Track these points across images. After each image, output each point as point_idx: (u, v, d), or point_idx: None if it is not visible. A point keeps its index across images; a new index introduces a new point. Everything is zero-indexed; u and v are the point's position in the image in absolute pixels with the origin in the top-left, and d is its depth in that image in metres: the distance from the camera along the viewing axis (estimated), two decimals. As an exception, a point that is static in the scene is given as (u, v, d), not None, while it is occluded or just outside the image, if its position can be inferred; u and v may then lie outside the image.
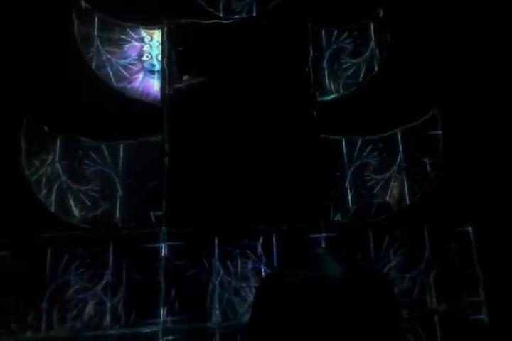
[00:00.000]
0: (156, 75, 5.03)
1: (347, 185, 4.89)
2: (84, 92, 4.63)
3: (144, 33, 5.12)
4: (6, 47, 4.60)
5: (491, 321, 4.35)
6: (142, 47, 5.12)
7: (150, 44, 5.13)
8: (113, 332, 3.95)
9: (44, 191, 4.32)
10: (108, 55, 4.98)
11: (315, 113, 4.89)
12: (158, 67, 5.06)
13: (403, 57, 4.98)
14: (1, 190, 4.03)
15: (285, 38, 5.14)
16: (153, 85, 5.00)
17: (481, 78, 4.82)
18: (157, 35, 5.15)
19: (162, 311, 4.00)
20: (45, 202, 4.29)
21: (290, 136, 4.83)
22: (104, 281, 4.04)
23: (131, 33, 5.09)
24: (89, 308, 3.96)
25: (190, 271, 4.08)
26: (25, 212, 4.07)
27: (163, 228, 4.29)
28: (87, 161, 4.53)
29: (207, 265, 4.17)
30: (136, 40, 5.12)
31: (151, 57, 5.10)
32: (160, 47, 5.06)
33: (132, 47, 5.12)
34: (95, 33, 5.01)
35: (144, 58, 5.08)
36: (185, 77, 4.97)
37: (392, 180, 4.86)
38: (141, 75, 5.03)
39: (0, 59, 4.51)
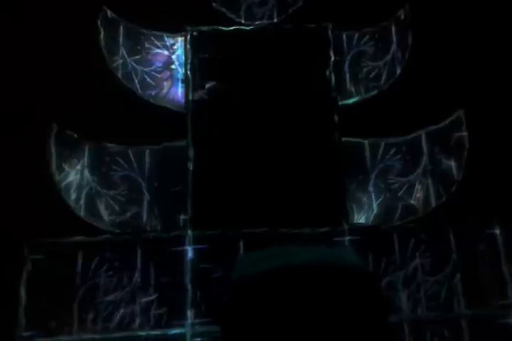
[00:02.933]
0: (180, 82, 5.12)
1: (370, 188, 4.88)
2: (111, 100, 4.75)
3: (172, 40, 5.20)
4: (35, 57, 4.75)
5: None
6: (170, 55, 5.21)
7: (177, 52, 5.22)
8: (142, 333, 4.01)
9: (73, 196, 4.43)
10: (134, 64, 5.08)
11: (336, 117, 4.90)
12: (181, 75, 5.14)
13: (426, 59, 4.96)
14: (33, 196, 4.15)
15: (306, 43, 5.17)
16: (180, 92, 5.08)
17: (507, 79, 4.77)
18: (177, 45, 5.23)
19: (189, 313, 4.05)
20: (75, 206, 4.40)
21: (312, 140, 4.85)
22: (132, 284, 4.11)
23: (155, 41, 5.19)
24: (119, 310, 4.03)
25: (216, 274, 4.12)
26: (56, 217, 4.18)
27: (189, 231, 4.35)
28: (114, 167, 4.63)
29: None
30: (163, 49, 5.21)
31: (178, 65, 5.19)
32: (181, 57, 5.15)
33: (158, 55, 5.21)
34: (121, 41, 5.13)
35: (172, 66, 5.17)
36: (208, 84, 5.04)
37: (417, 182, 4.83)
38: (168, 83, 5.12)
39: (30, 69, 4.66)
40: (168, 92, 5.11)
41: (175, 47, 5.23)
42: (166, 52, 5.23)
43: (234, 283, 0.81)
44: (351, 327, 0.72)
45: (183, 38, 5.17)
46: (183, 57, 5.14)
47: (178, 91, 5.12)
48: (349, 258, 0.81)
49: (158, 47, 5.24)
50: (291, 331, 0.73)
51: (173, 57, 5.21)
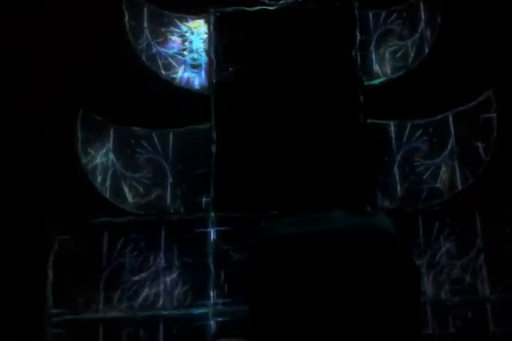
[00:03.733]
0: (199, 69, 5.11)
1: (395, 170, 4.81)
2: (136, 83, 4.79)
3: (185, 27, 5.19)
4: (61, 41, 4.81)
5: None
6: (183, 41, 5.19)
7: (191, 38, 5.20)
8: (166, 312, 4.14)
9: (99, 178, 4.54)
10: (158, 46, 5.10)
11: (362, 97, 4.82)
12: (200, 61, 5.13)
13: (455, 38, 4.80)
14: (60, 178, 4.28)
15: (331, 22, 5.07)
16: (195, 79, 5.08)
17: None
18: (199, 28, 5.20)
19: (212, 293, 4.14)
20: (101, 189, 4.51)
21: (337, 121, 4.79)
22: (156, 264, 4.22)
23: (172, 27, 5.17)
24: (144, 290, 4.16)
25: (239, 255, 4.19)
26: (82, 199, 4.31)
27: (212, 213, 4.41)
28: (139, 149, 4.70)
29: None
30: (177, 35, 5.20)
31: (193, 51, 5.17)
32: (202, 40, 5.13)
33: (175, 41, 5.21)
34: (145, 24, 5.14)
35: (185, 53, 5.16)
36: (233, 65, 5.02)
37: (443, 165, 4.73)
38: (182, 68, 5.12)
39: (55, 52, 4.74)
40: (185, 79, 5.12)
41: (192, 33, 5.19)
42: (182, 39, 5.20)
43: (268, 240, 0.79)
44: (378, 294, 0.72)
45: (202, 24, 5.14)
46: (202, 44, 5.12)
47: (196, 79, 5.11)
48: (383, 225, 0.80)
49: (181, 30, 5.23)
50: (320, 293, 0.72)
51: (190, 45, 5.19)
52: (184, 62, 5.14)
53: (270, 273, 0.76)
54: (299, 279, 0.74)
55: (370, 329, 0.72)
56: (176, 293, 4.18)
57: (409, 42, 5.09)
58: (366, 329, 0.72)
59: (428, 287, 4.32)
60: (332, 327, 0.72)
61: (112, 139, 4.69)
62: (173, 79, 5.07)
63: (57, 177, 4.36)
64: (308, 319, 0.73)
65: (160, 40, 5.13)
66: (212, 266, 4.17)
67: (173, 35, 5.21)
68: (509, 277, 4.32)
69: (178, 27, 5.22)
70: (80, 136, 4.53)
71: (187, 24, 5.21)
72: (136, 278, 4.16)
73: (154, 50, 5.09)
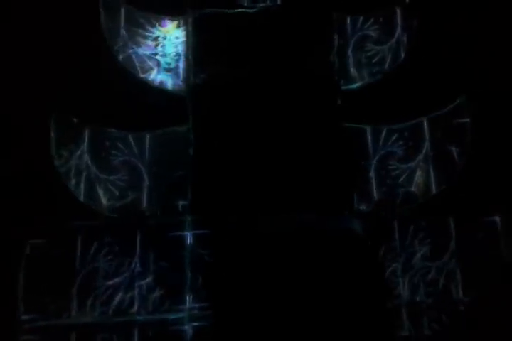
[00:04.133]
0: (171, 73, 5.08)
1: (372, 174, 4.85)
2: (112, 84, 4.72)
3: (158, 31, 5.15)
4: (35, 40, 4.72)
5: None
6: (156, 45, 5.15)
7: (164, 42, 5.16)
8: (141, 318, 4.07)
9: (73, 181, 4.45)
10: (134, 47, 5.04)
11: (339, 101, 4.85)
12: (173, 65, 5.10)
13: (430, 44, 4.88)
14: (33, 181, 4.18)
15: (310, 26, 5.09)
16: (170, 81, 5.05)
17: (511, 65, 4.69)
18: (171, 33, 5.16)
19: (188, 298, 4.09)
20: (75, 191, 4.42)
21: (314, 125, 4.80)
22: (131, 269, 4.15)
23: (149, 28, 5.13)
24: (118, 295, 4.08)
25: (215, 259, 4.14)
26: (56, 202, 4.21)
27: (189, 217, 4.36)
28: (114, 152, 4.63)
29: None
30: (163, 32, 5.17)
31: (166, 55, 5.14)
32: (175, 45, 5.11)
33: (150, 42, 5.16)
34: (122, 25, 5.08)
35: (157, 57, 5.13)
36: (210, 67, 4.99)
37: (418, 169, 4.80)
38: (158, 70, 5.09)
39: (29, 52, 4.64)
40: (158, 79, 5.08)
41: (165, 38, 5.16)
42: (167, 36, 5.17)
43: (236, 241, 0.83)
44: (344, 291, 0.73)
45: (175, 28, 5.12)
46: (175, 48, 5.10)
47: (168, 82, 5.08)
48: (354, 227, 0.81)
49: (159, 31, 5.19)
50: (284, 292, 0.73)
51: (163, 49, 5.16)
52: (160, 64, 5.10)
53: (236, 274, 0.78)
54: (265, 279, 0.76)
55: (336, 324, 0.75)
56: (152, 297, 4.12)
57: (385, 47, 5.15)
58: (331, 324, 0.74)
59: (403, 289, 4.37)
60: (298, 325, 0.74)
61: (86, 141, 4.61)
62: (150, 80, 5.02)
63: (30, 179, 4.25)
64: (273, 318, 0.74)
65: (136, 41, 5.07)
66: (188, 270, 4.13)
67: (149, 36, 5.16)
68: (481, 279, 4.39)
69: (155, 28, 5.17)
70: (53, 137, 4.44)
71: (161, 29, 5.17)
72: (111, 282, 4.09)
73: (131, 50, 5.03)
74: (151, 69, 5.07)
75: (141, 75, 5.02)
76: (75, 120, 4.60)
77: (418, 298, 4.38)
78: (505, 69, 4.69)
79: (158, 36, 5.18)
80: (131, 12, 5.14)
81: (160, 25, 5.18)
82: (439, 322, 4.34)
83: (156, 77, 5.06)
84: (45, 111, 4.50)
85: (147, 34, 5.17)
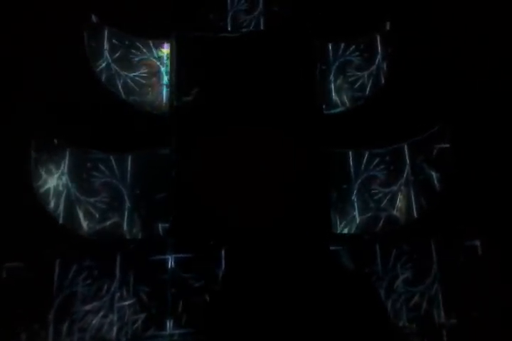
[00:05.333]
0: (154, 95, 5.10)
1: (354, 197, 4.88)
2: (94, 105, 4.69)
3: (141, 53, 5.18)
4: (17, 60, 4.67)
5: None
6: (152, 61, 5.19)
7: (160, 58, 5.20)
8: (119, 344, 3.94)
9: (52, 203, 4.35)
10: (118, 69, 5.04)
11: (321, 126, 4.91)
12: (156, 87, 5.12)
13: (410, 70, 5.00)
14: (10, 202, 4.06)
15: (292, 52, 5.18)
16: (155, 103, 5.06)
17: (490, 91, 4.83)
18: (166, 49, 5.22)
19: (169, 323, 3.99)
20: (54, 213, 4.32)
21: (296, 149, 4.84)
22: (111, 293, 4.04)
23: (141, 47, 5.16)
24: (96, 320, 3.96)
25: (198, 283, 4.07)
26: (33, 224, 4.10)
27: (171, 240, 4.30)
28: (95, 173, 4.56)
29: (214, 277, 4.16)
30: (148, 55, 5.19)
31: (149, 77, 5.17)
32: (158, 67, 5.15)
33: (144, 62, 5.19)
34: (105, 46, 5.09)
35: (141, 79, 5.15)
36: (193, 90, 5.02)
37: (400, 193, 4.85)
38: (152, 89, 5.10)
39: (12, 71, 4.58)
40: (154, 98, 5.09)
41: (160, 53, 5.21)
42: (151, 58, 5.21)
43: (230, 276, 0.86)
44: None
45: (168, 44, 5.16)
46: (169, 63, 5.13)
47: (164, 98, 5.10)
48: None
49: (143, 53, 5.21)
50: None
51: (158, 63, 5.20)
52: (145, 85, 5.10)
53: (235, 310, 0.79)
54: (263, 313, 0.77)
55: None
56: (131, 323, 4.00)
57: (367, 73, 5.27)
58: None
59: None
60: None
61: (67, 162, 4.53)
62: (133, 102, 5.01)
63: (7, 199, 4.14)
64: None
65: (121, 62, 5.08)
66: (169, 295, 4.04)
67: (132, 58, 5.18)
68: (463, 303, 4.41)
69: (139, 50, 5.20)
70: (32, 158, 4.35)
71: (144, 51, 5.21)
72: (89, 307, 3.96)
73: (114, 72, 5.03)
74: (134, 90, 5.07)
75: (124, 97, 5.01)
76: (55, 141, 4.53)
77: (401, 323, 4.36)
78: (486, 96, 4.83)
79: (142, 58, 5.20)
80: (114, 34, 5.16)
81: (143, 48, 5.21)
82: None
83: (139, 98, 5.06)
84: (25, 131, 4.42)
85: (131, 56, 5.19)
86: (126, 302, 4.04)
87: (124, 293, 4.07)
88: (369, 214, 4.83)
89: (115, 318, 3.99)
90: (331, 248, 4.33)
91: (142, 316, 4.04)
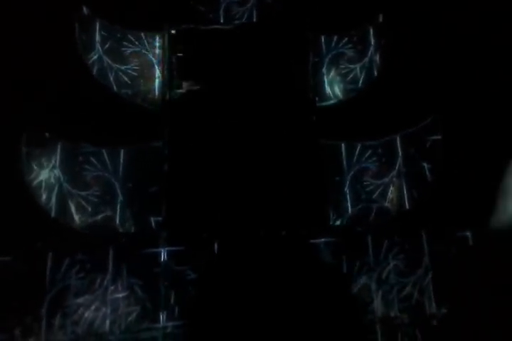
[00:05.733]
0: (146, 87, 5.08)
1: (346, 189, 4.91)
2: (86, 98, 4.67)
3: (133, 46, 5.15)
4: (7, 53, 4.64)
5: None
6: (145, 54, 5.16)
7: (152, 51, 5.17)
8: (112, 337, 3.96)
9: (44, 196, 4.35)
10: (110, 62, 5.01)
11: (314, 118, 4.92)
12: (148, 80, 5.10)
13: (402, 62, 5.00)
14: (2, 195, 4.05)
15: (285, 44, 5.17)
16: (142, 97, 5.04)
17: (482, 83, 4.84)
18: (159, 41, 5.19)
19: (162, 316, 4.02)
20: (46, 207, 4.32)
21: (289, 141, 4.85)
22: (104, 286, 4.06)
23: (132, 39, 5.13)
24: (89, 313, 3.98)
25: (191, 276, 4.10)
26: (25, 217, 4.10)
27: (163, 233, 4.31)
28: (87, 166, 4.56)
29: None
30: (140, 47, 5.16)
31: (141, 70, 5.14)
32: (151, 60, 5.12)
33: (134, 54, 5.16)
34: (97, 38, 5.05)
35: (133, 72, 5.11)
36: (186, 83, 5.01)
37: (391, 184, 4.88)
38: (144, 81, 5.07)
39: (1, 65, 4.55)
40: (146, 91, 5.07)
41: (152, 46, 5.18)
42: (143, 51, 5.18)
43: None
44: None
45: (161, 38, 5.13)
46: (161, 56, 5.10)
47: (156, 91, 5.08)
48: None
49: (135, 46, 5.18)
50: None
51: (150, 55, 5.17)
52: (137, 78, 5.08)
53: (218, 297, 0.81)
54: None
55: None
56: (124, 316, 4.03)
57: (359, 65, 5.26)
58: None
59: (377, 305, 4.39)
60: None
61: (58, 155, 4.52)
62: (124, 95, 4.99)
63: (-1, 194, 4.13)
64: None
65: (113, 55, 5.05)
66: (163, 288, 4.06)
67: (124, 51, 5.15)
68: (455, 294, 4.45)
69: (131, 43, 5.17)
70: (24, 151, 4.34)
71: (137, 43, 5.18)
72: (81, 301, 3.97)
73: (106, 64, 5.00)
74: (126, 83, 5.05)
75: (116, 89, 4.98)
76: (47, 134, 4.51)
77: (393, 314, 4.41)
78: (479, 87, 4.84)
79: (134, 51, 5.17)
80: (106, 26, 5.12)
81: (135, 40, 5.17)
82: (414, 338, 4.36)
83: (131, 91, 5.04)
84: (16, 125, 4.40)
85: (123, 49, 5.16)
86: (120, 295, 4.06)
87: (118, 286, 4.09)
88: (361, 206, 4.86)
89: (108, 311, 4.01)
90: (318, 241, 4.37)
91: (136, 309, 4.06)
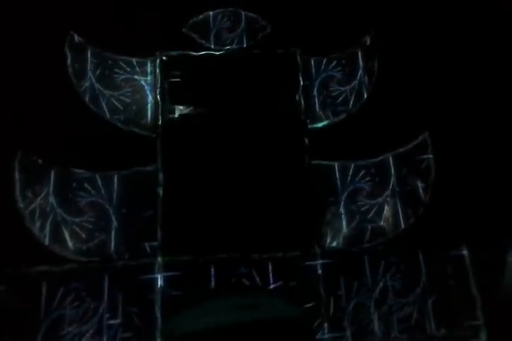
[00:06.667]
0: (149, 107, 5.11)
1: (341, 210, 4.91)
2: (79, 125, 4.68)
3: (125, 73, 5.20)
4: (1, 81, 4.66)
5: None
6: (137, 79, 5.21)
7: (144, 77, 5.22)
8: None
9: (38, 223, 4.30)
10: (101, 88, 5.05)
11: (306, 140, 4.96)
12: (140, 106, 5.13)
13: (391, 84, 5.09)
14: (-5, 224, 4.01)
15: (275, 68, 5.25)
16: (139, 121, 5.06)
17: (470, 102, 4.92)
18: (150, 67, 5.24)
19: (159, 344, 3.93)
20: (39, 234, 4.27)
21: (282, 164, 4.87)
22: (99, 314, 3.98)
23: (124, 66, 5.18)
24: (85, 341, 3.89)
25: (187, 302, 4.03)
26: (19, 245, 4.04)
27: (159, 258, 4.26)
28: (81, 193, 4.53)
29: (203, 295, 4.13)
30: (132, 73, 5.21)
31: (133, 96, 5.18)
32: (147, 84, 5.17)
33: (126, 80, 5.20)
34: (88, 66, 5.10)
35: (125, 98, 5.15)
36: (178, 108, 5.05)
37: (386, 204, 4.88)
38: (136, 107, 5.10)
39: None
40: (138, 117, 5.09)
41: (144, 72, 5.23)
42: (135, 77, 5.22)
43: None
44: None
45: (152, 64, 5.19)
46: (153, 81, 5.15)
47: (149, 116, 5.10)
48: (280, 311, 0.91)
49: (127, 72, 5.23)
50: None
51: (143, 82, 5.21)
52: (129, 104, 5.11)
53: None
54: None
55: None
56: (120, 344, 3.94)
57: (348, 87, 5.34)
58: None
59: (376, 325, 4.34)
60: None
61: (52, 182, 4.49)
62: (117, 121, 5.01)
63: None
64: None
65: (105, 81, 5.09)
66: (159, 314, 3.98)
67: (116, 77, 5.20)
68: (452, 313, 4.42)
69: (122, 69, 5.22)
70: (17, 178, 4.31)
71: (132, 67, 5.23)
72: (77, 329, 3.89)
73: (98, 91, 5.04)
74: (119, 109, 5.07)
75: (108, 116, 5.01)
76: (39, 161, 4.50)
77: (392, 335, 4.35)
78: (467, 107, 4.92)
79: (126, 77, 5.22)
80: (97, 53, 5.18)
81: (127, 67, 5.23)
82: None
83: (124, 117, 5.06)
84: (9, 151, 4.39)
85: (114, 75, 5.20)
86: (115, 323, 3.98)
87: (113, 313, 4.01)
88: (356, 226, 4.85)
89: (104, 339, 3.92)
90: (314, 263, 4.34)
91: (131, 336, 3.97)
